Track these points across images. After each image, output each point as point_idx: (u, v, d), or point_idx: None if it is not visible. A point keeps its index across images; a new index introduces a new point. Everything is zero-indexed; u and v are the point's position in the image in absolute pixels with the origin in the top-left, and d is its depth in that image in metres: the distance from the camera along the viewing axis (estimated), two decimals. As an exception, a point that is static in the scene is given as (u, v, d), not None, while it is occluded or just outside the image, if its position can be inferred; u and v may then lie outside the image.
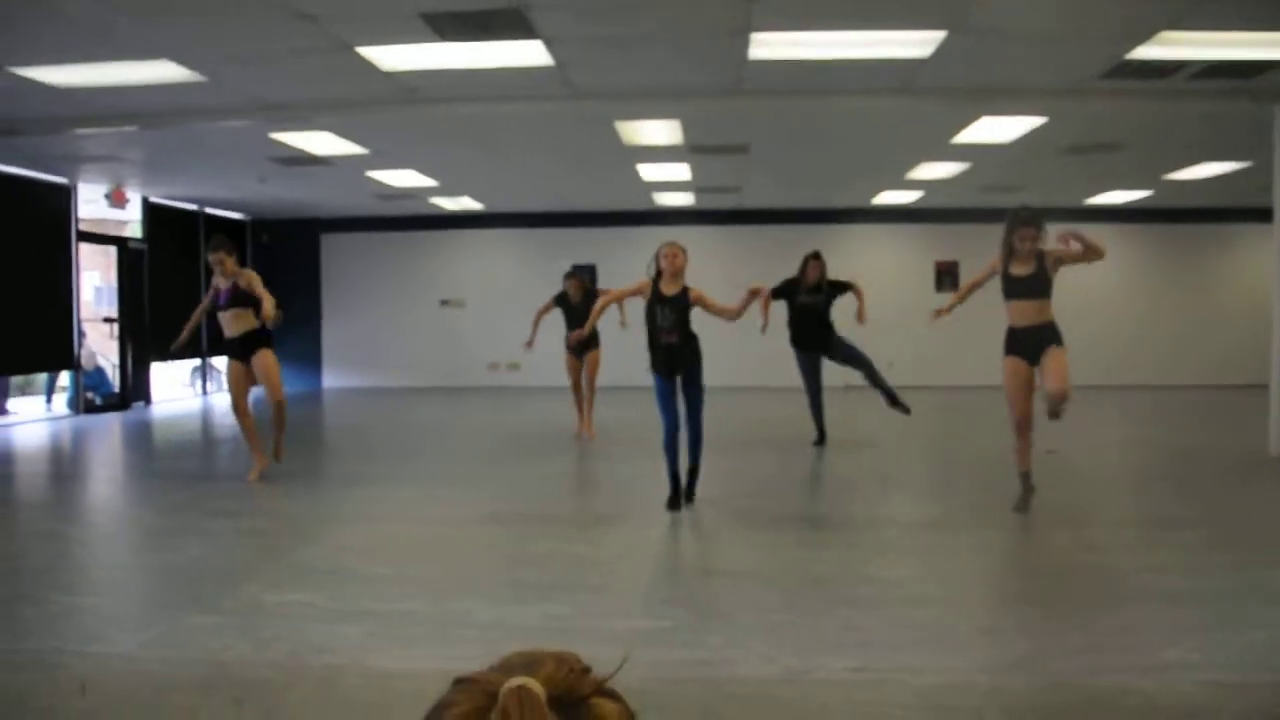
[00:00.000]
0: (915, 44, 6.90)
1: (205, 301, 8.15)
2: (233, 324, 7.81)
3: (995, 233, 16.23)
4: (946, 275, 16.35)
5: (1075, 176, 12.68)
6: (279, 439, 7.92)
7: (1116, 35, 6.70)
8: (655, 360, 6.69)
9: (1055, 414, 6.19)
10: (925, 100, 8.37)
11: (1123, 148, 10.68)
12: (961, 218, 15.90)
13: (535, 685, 0.76)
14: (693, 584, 5.24)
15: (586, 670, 0.82)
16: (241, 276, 7.84)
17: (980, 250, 15.90)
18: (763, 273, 15.90)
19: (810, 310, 9.28)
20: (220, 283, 7.88)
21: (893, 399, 9.26)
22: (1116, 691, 3.54)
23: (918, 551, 5.75)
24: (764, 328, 8.88)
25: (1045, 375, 6.17)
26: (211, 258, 7.90)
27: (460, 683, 0.82)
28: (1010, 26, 6.49)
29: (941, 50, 6.92)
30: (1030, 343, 6.23)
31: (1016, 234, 6.33)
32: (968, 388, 14.44)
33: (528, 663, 0.80)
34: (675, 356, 6.63)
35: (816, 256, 9.35)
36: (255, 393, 8.02)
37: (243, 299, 7.77)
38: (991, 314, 6.67)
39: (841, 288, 9.37)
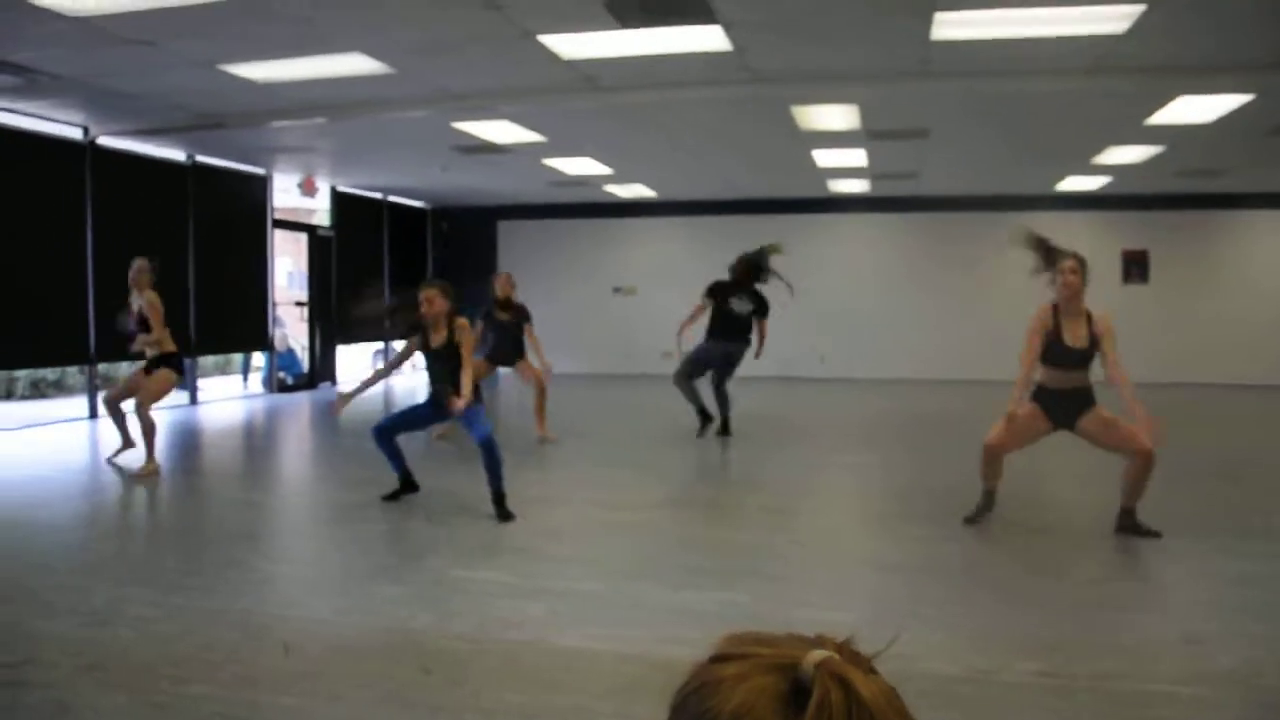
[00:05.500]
0: (1110, 19, 6.55)
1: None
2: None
3: (1189, 220, 15.48)
4: (1135, 265, 15.57)
5: (1282, 159, 11.84)
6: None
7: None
8: (433, 396, 6.50)
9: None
10: (1118, 79, 7.93)
11: (1340, 127, 9.91)
12: (1152, 204, 15.14)
13: (839, 657, 0.71)
14: (868, 576, 5.14)
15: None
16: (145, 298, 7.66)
17: (1172, 239, 15.25)
18: (940, 260, 15.71)
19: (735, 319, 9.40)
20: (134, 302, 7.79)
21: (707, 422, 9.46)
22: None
23: (1114, 553, 5.50)
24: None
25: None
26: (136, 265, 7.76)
27: (723, 659, 0.74)
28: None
29: (1139, 25, 6.54)
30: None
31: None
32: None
33: (796, 638, 0.76)
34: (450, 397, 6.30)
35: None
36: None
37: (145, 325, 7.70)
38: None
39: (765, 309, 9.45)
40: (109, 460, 8.02)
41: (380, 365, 17.19)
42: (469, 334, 6.37)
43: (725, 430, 9.35)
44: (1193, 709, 3.38)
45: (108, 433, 8.58)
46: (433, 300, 6.30)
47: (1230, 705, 3.43)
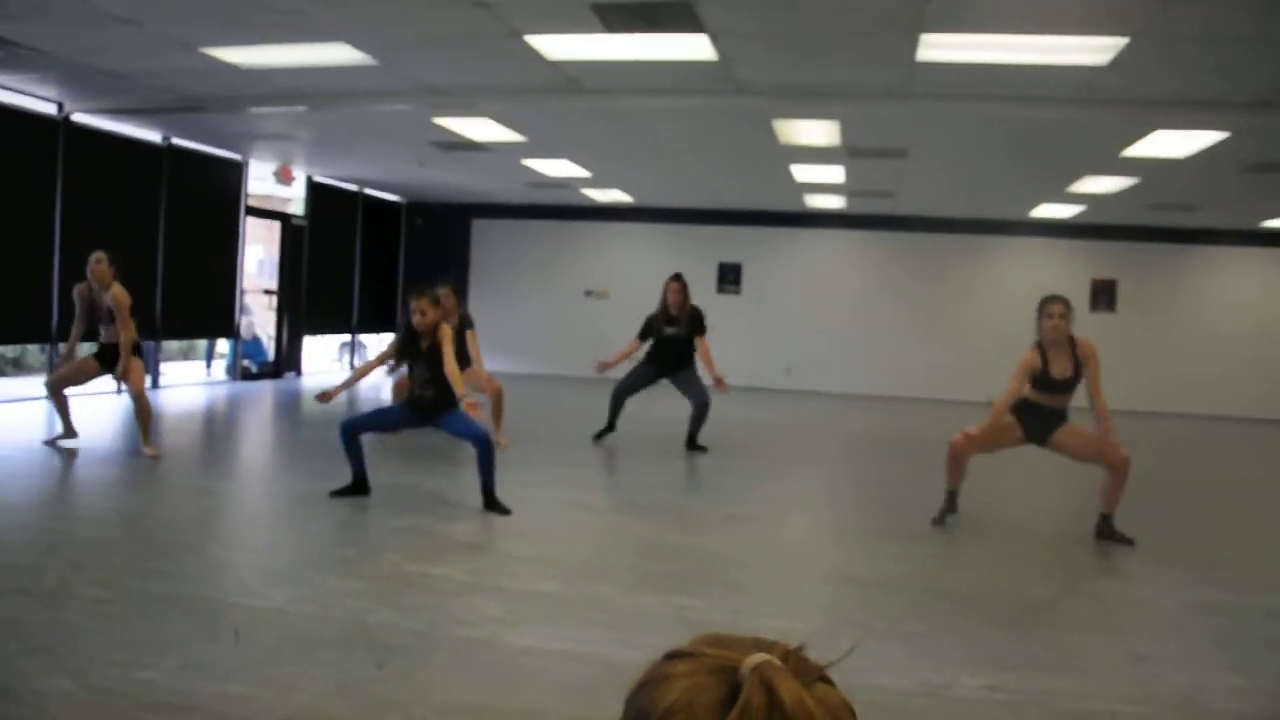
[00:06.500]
0: (1094, 50, 6.61)
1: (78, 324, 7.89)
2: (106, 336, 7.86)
3: (1159, 252, 15.67)
4: (1103, 293, 15.75)
5: (1254, 197, 12.01)
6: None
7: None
8: (410, 402, 6.55)
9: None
10: (1098, 110, 8.02)
11: (1310, 168, 10.05)
12: (1123, 235, 15.33)
13: (779, 664, 0.71)
14: (827, 588, 5.16)
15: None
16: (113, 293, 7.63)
17: (1141, 270, 15.42)
18: (912, 280, 15.81)
19: (670, 343, 9.12)
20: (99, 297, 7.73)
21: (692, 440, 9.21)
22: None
23: (1075, 571, 5.55)
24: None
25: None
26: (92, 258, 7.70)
27: (676, 656, 0.75)
28: (1201, 33, 6.13)
29: (1121, 58, 6.62)
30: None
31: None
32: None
33: (753, 642, 0.75)
34: (430, 407, 6.44)
35: (677, 279, 9.20)
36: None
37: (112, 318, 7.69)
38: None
39: (700, 326, 9.09)
40: (46, 442, 7.86)
41: (355, 359, 17.17)
42: (449, 340, 6.33)
43: (693, 444, 9.23)
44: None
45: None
46: (425, 312, 6.32)
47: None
